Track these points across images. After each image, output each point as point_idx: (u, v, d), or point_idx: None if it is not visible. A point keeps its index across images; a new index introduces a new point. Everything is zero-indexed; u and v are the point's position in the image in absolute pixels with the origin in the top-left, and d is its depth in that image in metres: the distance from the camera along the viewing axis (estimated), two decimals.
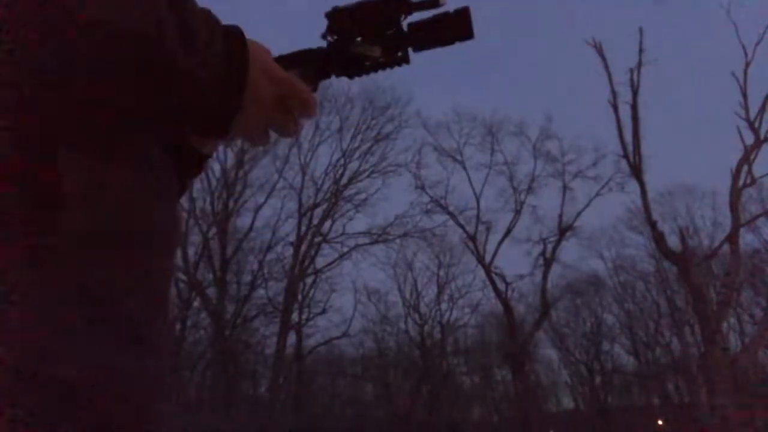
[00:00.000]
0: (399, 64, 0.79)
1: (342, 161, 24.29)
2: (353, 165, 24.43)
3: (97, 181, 0.51)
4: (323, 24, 0.78)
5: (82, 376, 0.45)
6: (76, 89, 0.50)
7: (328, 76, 0.79)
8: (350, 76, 0.80)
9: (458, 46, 0.82)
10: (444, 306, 28.63)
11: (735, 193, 16.76)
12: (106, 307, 0.48)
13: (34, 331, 0.44)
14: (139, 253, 0.52)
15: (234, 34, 0.58)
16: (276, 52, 0.71)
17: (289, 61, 0.73)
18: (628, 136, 18.09)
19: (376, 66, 0.79)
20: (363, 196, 24.45)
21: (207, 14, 0.57)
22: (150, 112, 0.54)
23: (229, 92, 0.57)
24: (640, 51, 18.10)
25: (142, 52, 0.51)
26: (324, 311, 24.83)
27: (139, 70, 0.52)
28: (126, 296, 0.50)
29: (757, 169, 17.23)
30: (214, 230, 22.84)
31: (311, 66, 0.76)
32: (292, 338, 23.86)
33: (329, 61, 0.77)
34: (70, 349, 0.45)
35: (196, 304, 22.41)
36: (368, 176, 24.59)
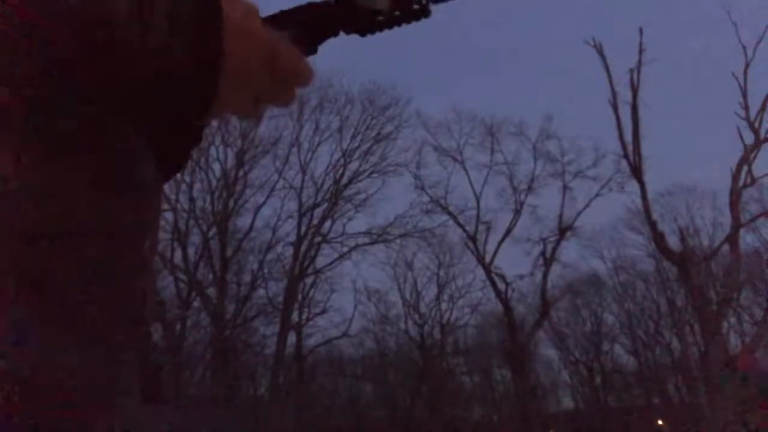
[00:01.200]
0: (417, 18, 0.70)
1: (342, 161, 24.33)
2: (353, 165, 24.47)
3: (48, 172, 0.48)
4: None
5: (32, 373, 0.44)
6: (22, 77, 0.43)
7: (336, 34, 0.69)
8: (362, 34, 0.70)
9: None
10: (444, 306, 28.69)
11: (735, 193, 16.77)
12: (49, 301, 0.46)
13: None
14: (92, 246, 0.50)
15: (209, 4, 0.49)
16: (278, 8, 0.64)
17: (288, 17, 0.64)
18: (628, 136, 18.11)
19: (392, 21, 0.69)
20: (363, 196, 24.50)
21: None
22: (112, 100, 0.47)
23: (201, 73, 0.49)
24: (640, 51, 18.12)
25: (92, 34, 0.44)
26: (324, 311, 24.87)
27: (90, 56, 0.45)
28: (72, 288, 0.48)
29: (757, 169, 17.27)
30: (214, 230, 22.85)
31: (314, 23, 0.66)
32: (292, 338, 23.91)
33: (336, 17, 0.67)
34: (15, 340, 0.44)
35: (196, 304, 22.43)
36: (368, 176, 24.64)
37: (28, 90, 0.44)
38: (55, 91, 0.45)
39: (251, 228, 23.28)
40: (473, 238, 24.91)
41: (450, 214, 25.14)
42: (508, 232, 24.91)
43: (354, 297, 27.95)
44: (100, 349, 0.49)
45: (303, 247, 23.37)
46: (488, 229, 25.08)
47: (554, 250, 24.68)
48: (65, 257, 0.47)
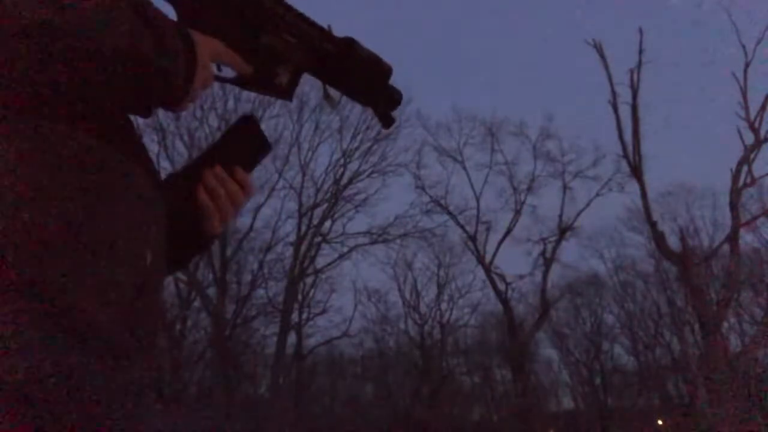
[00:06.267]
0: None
1: (342, 161, 24.28)
2: (353, 165, 24.41)
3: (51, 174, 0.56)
4: None
5: (26, 377, 0.45)
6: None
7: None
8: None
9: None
10: (444, 306, 28.66)
11: (735, 193, 16.76)
12: (49, 304, 0.47)
13: None
14: (93, 252, 0.53)
15: (187, 36, 0.80)
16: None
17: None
18: (628, 136, 18.10)
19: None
20: (363, 196, 24.43)
21: (173, 26, 0.78)
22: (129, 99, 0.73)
23: (188, 79, 0.79)
24: (640, 51, 18.10)
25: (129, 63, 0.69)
26: (324, 311, 24.85)
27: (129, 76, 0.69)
28: (74, 294, 0.49)
29: (757, 169, 17.24)
30: None
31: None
32: (292, 338, 23.89)
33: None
34: (15, 348, 0.45)
35: (196, 304, 22.42)
36: (368, 176, 24.58)
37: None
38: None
39: (251, 228, 23.25)
40: (473, 238, 24.91)
41: (450, 214, 25.14)
42: (508, 232, 24.92)
43: (354, 297, 27.96)
44: (107, 359, 0.51)
45: (303, 247, 23.35)
46: (488, 229, 25.09)
47: (554, 250, 24.69)
48: (59, 259, 0.50)
